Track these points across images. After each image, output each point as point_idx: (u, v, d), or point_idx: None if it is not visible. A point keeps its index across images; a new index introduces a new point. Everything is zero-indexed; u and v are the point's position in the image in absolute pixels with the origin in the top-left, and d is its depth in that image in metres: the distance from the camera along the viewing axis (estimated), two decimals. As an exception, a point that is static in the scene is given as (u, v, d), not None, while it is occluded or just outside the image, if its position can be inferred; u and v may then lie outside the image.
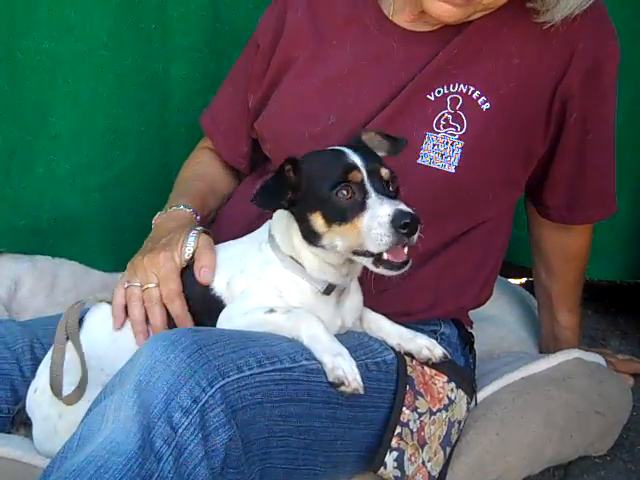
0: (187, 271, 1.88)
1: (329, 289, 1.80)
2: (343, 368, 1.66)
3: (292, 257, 1.79)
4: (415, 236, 1.63)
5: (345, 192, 1.66)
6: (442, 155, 1.92)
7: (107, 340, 1.88)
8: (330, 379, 1.67)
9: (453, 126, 1.93)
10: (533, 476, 2.05)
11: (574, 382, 2.12)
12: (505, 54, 1.94)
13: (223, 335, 1.65)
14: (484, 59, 1.95)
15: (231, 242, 1.93)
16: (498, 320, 2.52)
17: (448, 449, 1.89)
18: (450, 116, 1.93)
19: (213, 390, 1.53)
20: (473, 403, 2.02)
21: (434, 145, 1.92)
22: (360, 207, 1.66)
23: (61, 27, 2.46)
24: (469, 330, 2.14)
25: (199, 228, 1.93)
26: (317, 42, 2.06)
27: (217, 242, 1.93)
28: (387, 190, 1.69)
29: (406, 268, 1.67)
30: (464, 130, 1.92)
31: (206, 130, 2.32)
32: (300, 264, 1.78)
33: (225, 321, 1.78)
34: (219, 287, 1.84)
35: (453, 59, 1.95)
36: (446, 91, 1.94)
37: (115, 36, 2.50)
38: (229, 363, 1.58)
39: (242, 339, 1.65)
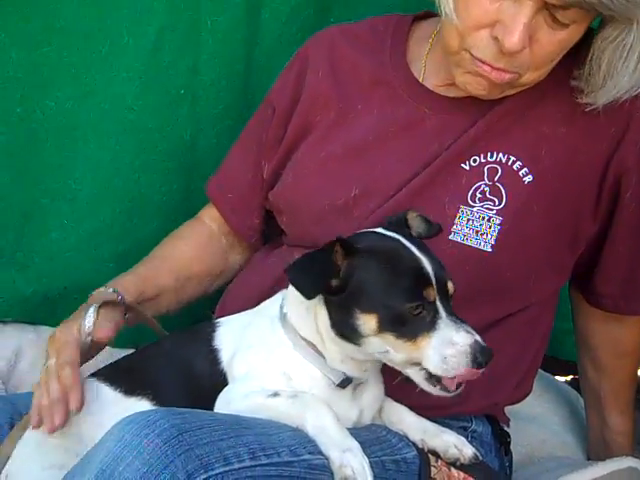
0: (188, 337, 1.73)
1: (345, 382, 1.61)
2: (352, 466, 1.44)
3: (308, 341, 1.61)
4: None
5: (418, 309, 1.49)
6: (477, 232, 1.73)
7: None
8: (337, 479, 1.45)
9: (490, 200, 1.75)
10: None
11: (626, 496, 1.87)
12: (550, 122, 1.77)
13: (212, 419, 1.45)
14: (527, 127, 1.77)
15: (240, 313, 1.76)
16: (540, 420, 2.28)
17: None
18: (487, 188, 1.75)
19: None
20: (508, 513, 1.78)
21: (468, 220, 1.74)
22: (428, 327, 1.50)
23: (85, 87, 2.34)
24: (505, 429, 1.90)
25: (102, 301, 1.78)
26: (339, 106, 1.90)
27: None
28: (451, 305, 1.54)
29: (459, 391, 1.54)
30: (503, 204, 1.74)
31: (213, 198, 2.13)
32: (319, 353, 1.60)
33: (223, 404, 1.59)
34: (225, 361, 1.65)
35: (492, 127, 1.77)
36: (483, 160, 1.76)
37: (140, 98, 2.38)
38: (215, 453, 1.37)
39: (234, 425, 1.45)
